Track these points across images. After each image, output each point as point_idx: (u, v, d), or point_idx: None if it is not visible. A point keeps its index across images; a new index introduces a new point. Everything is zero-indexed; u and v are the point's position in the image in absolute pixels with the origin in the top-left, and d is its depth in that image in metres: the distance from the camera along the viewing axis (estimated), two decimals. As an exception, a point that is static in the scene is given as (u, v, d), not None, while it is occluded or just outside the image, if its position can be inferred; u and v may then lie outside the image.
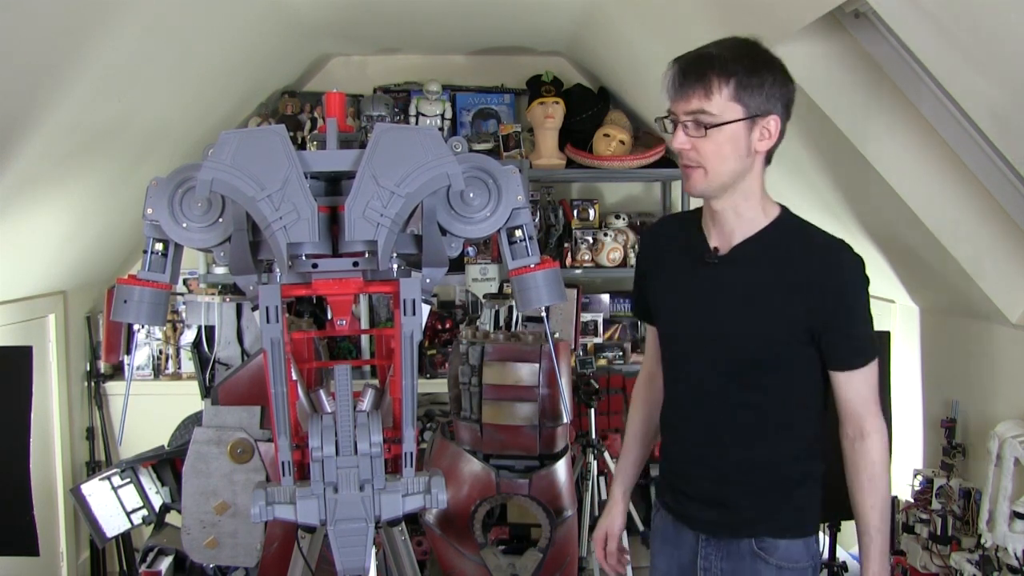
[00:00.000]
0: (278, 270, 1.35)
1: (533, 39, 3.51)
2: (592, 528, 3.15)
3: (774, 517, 1.55)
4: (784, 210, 1.56)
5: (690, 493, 1.62)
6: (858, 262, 1.50)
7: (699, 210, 1.63)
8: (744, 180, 1.48)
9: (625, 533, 3.15)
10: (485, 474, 2.30)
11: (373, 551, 1.43)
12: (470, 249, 3.45)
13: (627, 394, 3.60)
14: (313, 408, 1.55)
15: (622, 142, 3.50)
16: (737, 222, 1.52)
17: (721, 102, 1.41)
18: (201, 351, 3.54)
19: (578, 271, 3.53)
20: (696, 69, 1.42)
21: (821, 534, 2.68)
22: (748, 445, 1.55)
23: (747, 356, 1.53)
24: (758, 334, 1.51)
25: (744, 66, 1.42)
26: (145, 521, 2.29)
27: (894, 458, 2.54)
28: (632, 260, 3.56)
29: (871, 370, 1.53)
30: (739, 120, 1.42)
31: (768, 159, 1.52)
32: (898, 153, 2.12)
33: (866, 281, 1.52)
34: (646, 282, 1.70)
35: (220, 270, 3.39)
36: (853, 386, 1.52)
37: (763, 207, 1.53)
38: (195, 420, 2.92)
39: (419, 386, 1.62)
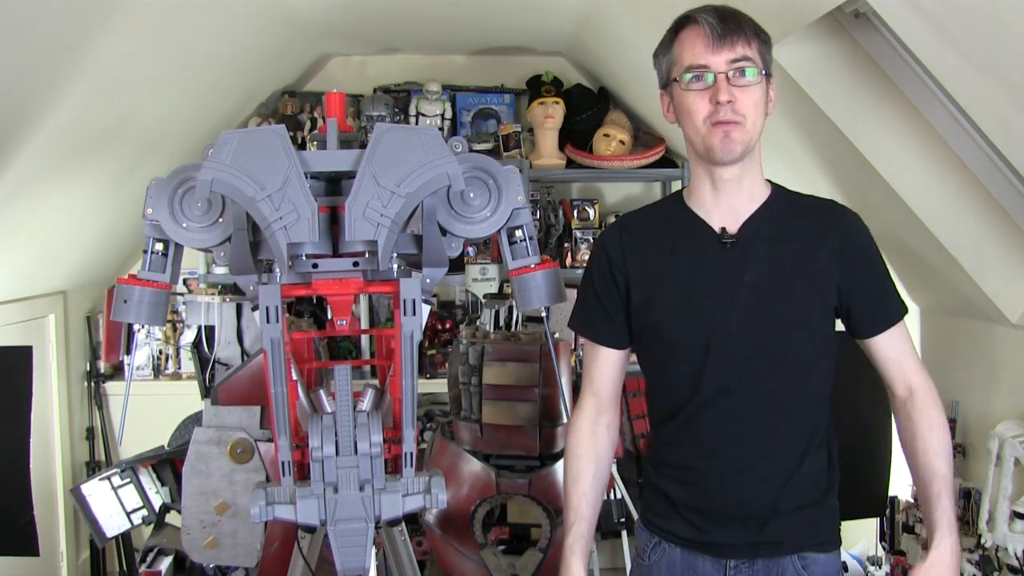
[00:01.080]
0: (278, 270, 1.35)
1: (533, 39, 3.51)
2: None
3: (817, 529, 1.44)
4: (773, 183, 1.50)
5: (719, 517, 1.43)
6: (859, 216, 1.47)
7: (672, 196, 1.52)
8: (757, 146, 1.42)
9: (626, 533, 3.17)
10: (485, 474, 2.30)
11: (373, 551, 1.43)
12: (470, 249, 3.44)
13: (627, 394, 3.59)
14: (313, 408, 1.55)
15: (622, 142, 3.50)
16: (739, 196, 1.42)
17: (754, 54, 1.35)
18: (201, 351, 3.54)
19: (578, 271, 3.52)
20: (733, 18, 1.36)
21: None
22: (792, 447, 1.42)
23: (785, 342, 1.40)
24: (795, 314, 1.40)
25: (757, 26, 1.38)
26: (145, 521, 2.29)
27: (894, 459, 2.55)
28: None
29: (905, 326, 1.46)
30: (767, 75, 1.38)
31: None
32: (898, 153, 2.12)
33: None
34: (625, 290, 1.46)
35: (220, 270, 3.39)
36: (897, 344, 1.45)
37: (762, 178, 1.47)
38: (195, 420, 2.92)
39: (419, 386, 1.62)
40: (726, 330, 1.39)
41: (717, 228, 1.42)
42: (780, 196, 1.46)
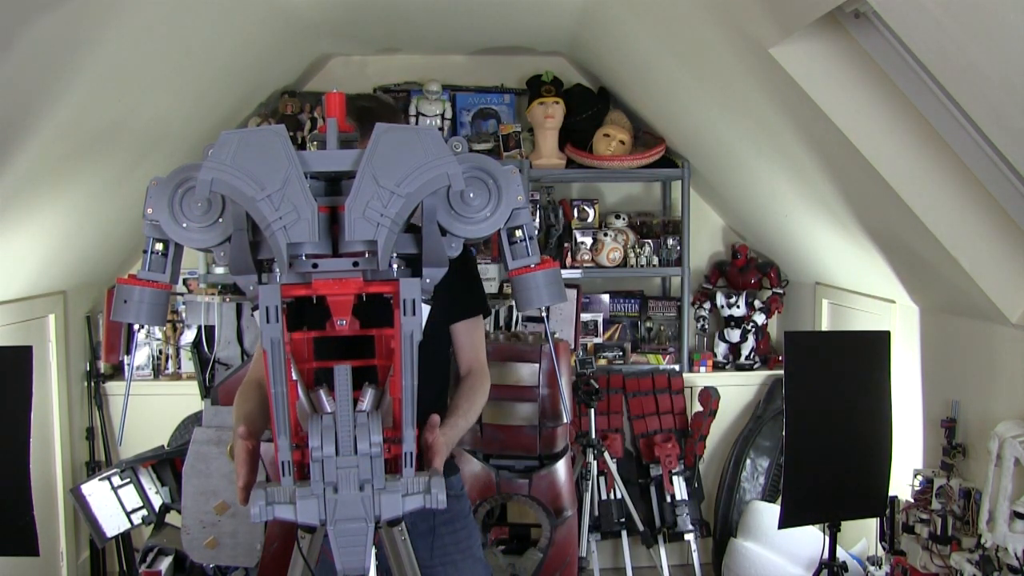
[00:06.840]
0: (278, 270, 1.35)
1: (533, 39, 3.51)
2: (592, 528, 3.16)
3: None
4: None
5: None
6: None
7: None
8: None
9: (625, 533, 3.17)
10: (485, 474, 2.30)
11: (373, 551, 1.42)
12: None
13: (627, 394, 3.59)
14: (313, 408, 1.55)
15: (622, 142, 3.50)
16: None
17: None
18: (201, 351, 3.55)
19: (578, 271, 3.52)
20: None
21: (821, 534, 2.68)
22: None
23: None
24: None
25: None
26: (145, 521, 2.30)
27: (894, 459, 2.55)
28: (632, 260, 3.55)
29: None
30: None
31: None
32: (898, 153, 2.12)
33: None
34: None
35: (220, 270, 3.39)
36: None
37: None
38: (195, 420, 2.92)
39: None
40: None
41: None
42: None
